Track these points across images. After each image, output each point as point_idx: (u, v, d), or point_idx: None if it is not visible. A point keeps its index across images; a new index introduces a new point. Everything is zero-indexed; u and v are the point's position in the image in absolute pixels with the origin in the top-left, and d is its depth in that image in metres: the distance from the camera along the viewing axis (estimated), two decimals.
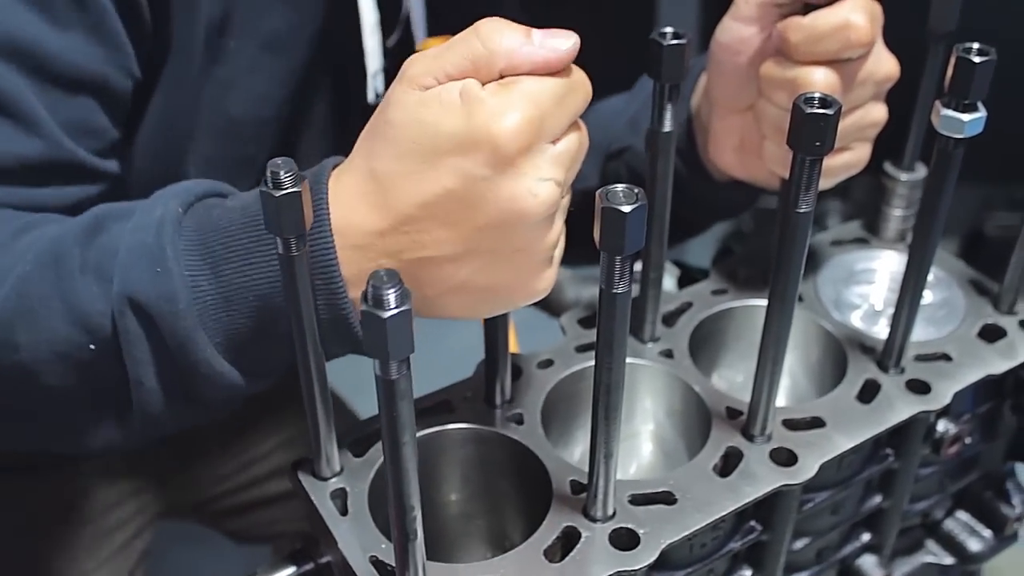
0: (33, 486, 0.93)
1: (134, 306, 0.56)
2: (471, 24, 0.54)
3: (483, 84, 0.53)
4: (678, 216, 0.67)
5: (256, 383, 0.60)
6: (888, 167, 0.78)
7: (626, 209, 0.46)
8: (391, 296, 0.42)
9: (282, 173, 0.48)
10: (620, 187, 0.47)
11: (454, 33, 0.54)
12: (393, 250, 0.54)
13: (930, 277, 0.76)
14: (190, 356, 0.57)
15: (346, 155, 0.60)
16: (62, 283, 0.57)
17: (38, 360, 0.58)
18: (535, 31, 0.53)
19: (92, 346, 0.57)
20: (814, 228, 0.57)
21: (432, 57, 0.53)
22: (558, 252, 0.57)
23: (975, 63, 0.56)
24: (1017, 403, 0.73)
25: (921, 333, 0.71)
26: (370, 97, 0.83)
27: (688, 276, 0.80)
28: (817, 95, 0.51)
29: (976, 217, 2.56)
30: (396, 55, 0.85)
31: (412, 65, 0.54)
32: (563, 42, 0.53)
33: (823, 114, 0.51)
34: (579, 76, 0.54)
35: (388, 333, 0.43)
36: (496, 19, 0.54)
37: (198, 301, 0.56)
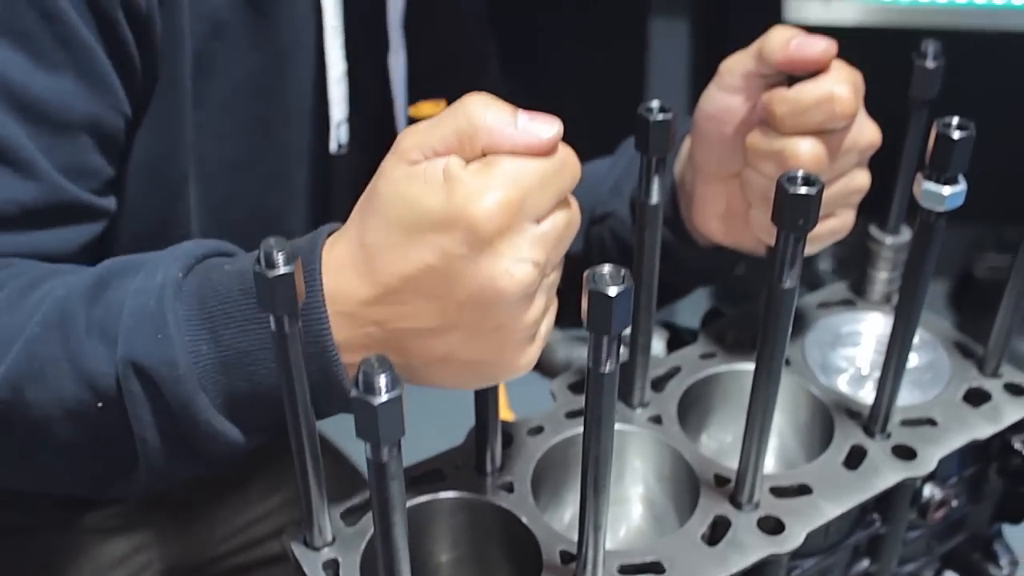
0: (33, 546, 0.93)
1: (137, 370, 0.58)
2: (450, 87, 0.55)
3: (467, 161, 0.54)
4: (660, 280, 0.68)
5: (256, 439, 0.62)
6: (873, 230, 0.79)
7: (613, 292, 0.47)
8: (382, 382, 0.43)
9: (275, 253, 0.49)
10: (607, 268, 0.48)
11: (434, 95, 0.55)
12: (379, 319, 0.56)
13: (915, 339, 0.77)
14: (191, 417, 0.58)
15: (315, 206, 0.61)
16: (69, 344, 0.59)
17: (49, 417, 0.60)
18: (521, 113, 0.54)
19: (99, 404, 0.59)
20: (802, 288, 0.57)
21: (422, 131, 0.55)
22: (544, 327, 0.58)
23: (954, 139, 0.57)
24: (1003, 466, 0.73)
25: (907, 397, 0.72)
26: (332, 147, 0.84)
27: (677, 337, 0.81)
28: (800, 174, 0.52)
29: (966, 258, 2.59)
30: (374, 112, 0.87)
31: (404, 138, 0.55)
32: (546, 128, 0.53)
33: (806, 194, 0.52)
34: (566, 156, 0.55)
35: (379, 419, 0.43)
36: (484, 95, 0.55)
37: (198, 366, 0.58)
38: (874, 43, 2.06)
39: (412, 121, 0.59)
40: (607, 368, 0.50)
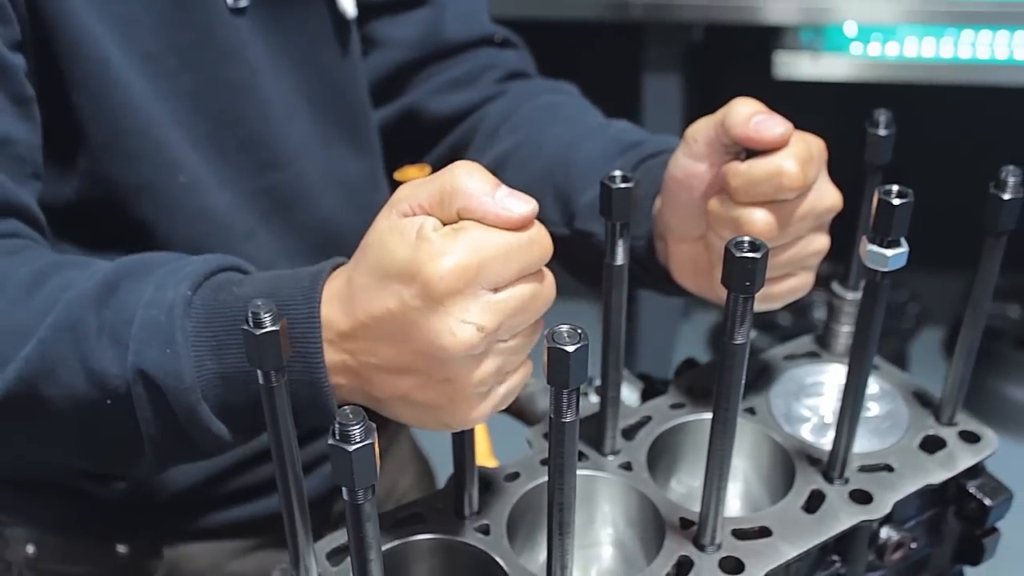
0: None
1: (145, 378, 0.64)
2: None
3: (446, 220, 0.59)
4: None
5: (245, 438, 0.69)
6: (835, 286, 0.83)
7: (570, 349, 0.51)
8: (356, 432, 0.48)
9: (262, 313, 0.54)
10: (565, 327, 0.52)
11: None
12: (351, 349, 0.62)
13: (876, 389, 0.81)
14: (193, 421, 0.65)
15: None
16: (80, 347, 0.65)
17: (61, 409, 0.66)
18: (501, 187, 0.59)
19: (108, 401, 0.65)
20: (773, 339, 0.62)
21: (414, 186, 0.61)
22: (504, 388, 0.62)
23: (895, 205, 0.62)
24: (960, 509, 0.77)
25: (866, 444, 0.76)
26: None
27: (652, 388, 0.85)
28: (747, 239, 0.57)
29: (960, 306, 2.62)
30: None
31: (399, 191, 0.61)
32: (520, 205, 0.59)
33: (751, 257, 0.56)
34: (537, 235, 0.60)
35: (354, 464, 0.48)
36: (472, 164, 0.60)
37: (202, 380, 0.65)
38: (864, 98, 2.11)
39: (398, 183, 0.65)
40: (568, 418, 0.54)
